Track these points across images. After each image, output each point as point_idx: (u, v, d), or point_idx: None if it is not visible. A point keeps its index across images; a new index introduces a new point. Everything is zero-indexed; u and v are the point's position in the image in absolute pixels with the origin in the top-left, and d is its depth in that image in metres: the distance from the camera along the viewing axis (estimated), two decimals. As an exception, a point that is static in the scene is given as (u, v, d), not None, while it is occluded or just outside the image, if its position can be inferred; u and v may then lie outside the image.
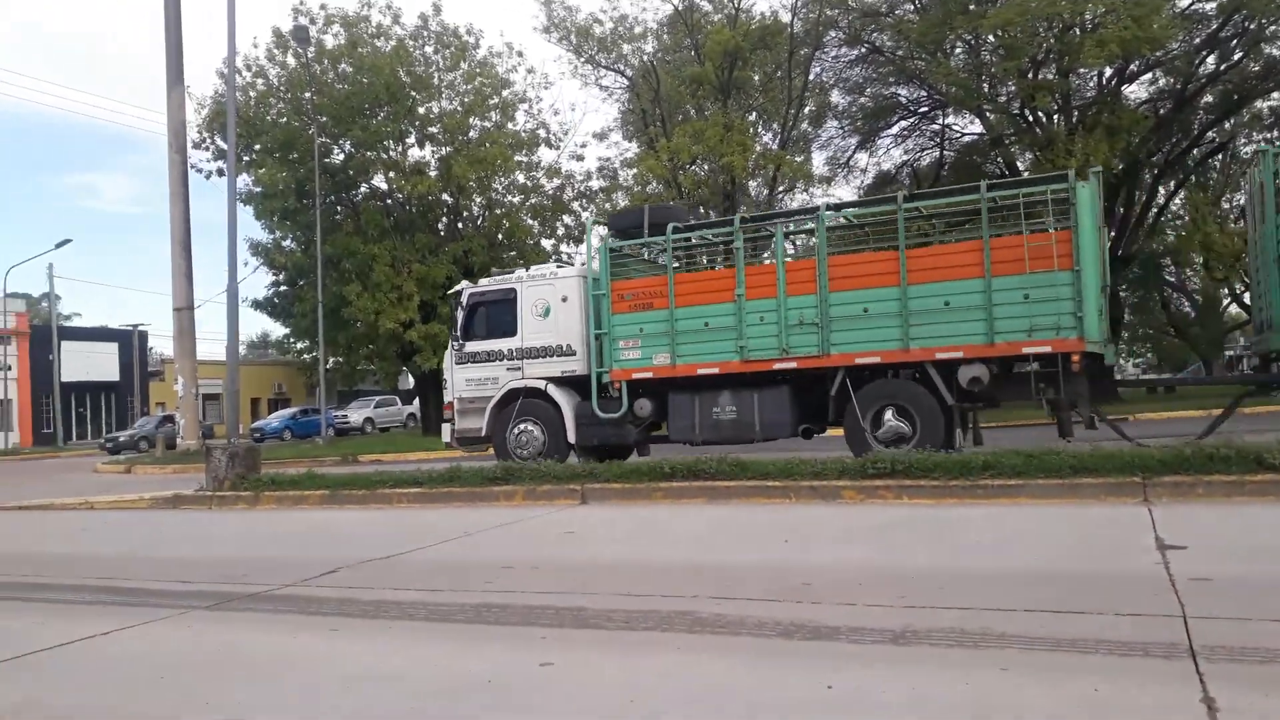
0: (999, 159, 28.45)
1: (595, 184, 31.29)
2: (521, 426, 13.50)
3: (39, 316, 56.05)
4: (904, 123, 30.65)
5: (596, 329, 12.94)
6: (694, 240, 13.33)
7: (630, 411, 12.79)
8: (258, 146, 27.49)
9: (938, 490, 8.22)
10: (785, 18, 28.05)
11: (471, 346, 13.96)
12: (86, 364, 50.48)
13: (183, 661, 4.39)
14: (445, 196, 29.60)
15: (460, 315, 14.12)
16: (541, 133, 30.60)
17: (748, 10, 28.63)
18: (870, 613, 4.47)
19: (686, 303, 12.29)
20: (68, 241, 52.82)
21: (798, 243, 13.24)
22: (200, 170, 28.33)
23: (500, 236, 30.15)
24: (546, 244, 31.41)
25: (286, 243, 29.69)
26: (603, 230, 14.75)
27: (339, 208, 30.33)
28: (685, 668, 3.83)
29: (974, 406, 11.74)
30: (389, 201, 30.34)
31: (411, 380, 35.81)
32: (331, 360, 30.98)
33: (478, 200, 30.48)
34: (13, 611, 5.85)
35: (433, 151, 30.00)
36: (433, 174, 28.67)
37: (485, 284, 14.45)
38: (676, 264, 12.78)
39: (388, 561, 6.71)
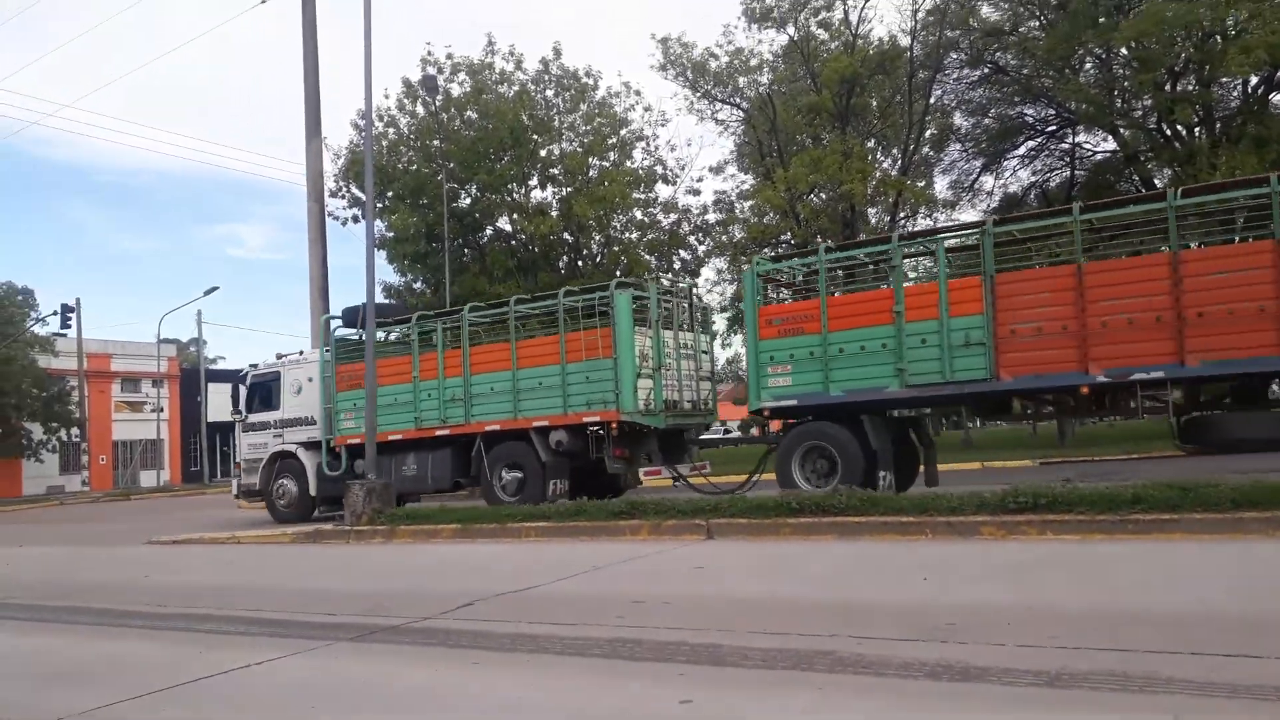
0: (1135, 176, 27.20)
1: (711, 217, 31.40)
2: (280, 482, 17.12)
3: (188, 360, 59.70)
4: (1031, 143, 29.70)
5: (326, 403, 16.30)
6: (392, 334, 16.93)
7: (349, 469, 15.73)
8: (390, 193, 28.67)
9: (1083, 525, 7.81)
10: (904, 41, 27.64)
11: (251, 418, 17.85)
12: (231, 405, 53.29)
13: (331, 692, 4.53)
14: (566, 235, 30.19)
15: (243, 393, 18.06)
16: (658, 169, 30.93)
17: (865, 36, 28.33)
18: (1021, 654, 4.26)
19: (383, 383, 15.11)
20: (215, 289, 56.17)
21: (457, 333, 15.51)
22: (336, 218, 29.72)
23: (619, 273, 30.52)
24: (664, 279, 31.64)
25: (417, 285, 30.77)
26: (337, 322, 17.35)
27: (466, 250, 31.30)
28: (829, 708, 3.72)
29: (565, 463, 14.16)
30: (513, 242, 31.14)
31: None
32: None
33: (597, 238, 30.96)
34: (172, 640, 6.18)
35: (554, 192, 30.70)
36: (554, 214, 29.30)
37: (261, 368, 18.34)
38: (388, 353, 16.25)
39: (521, 595, 6.80)
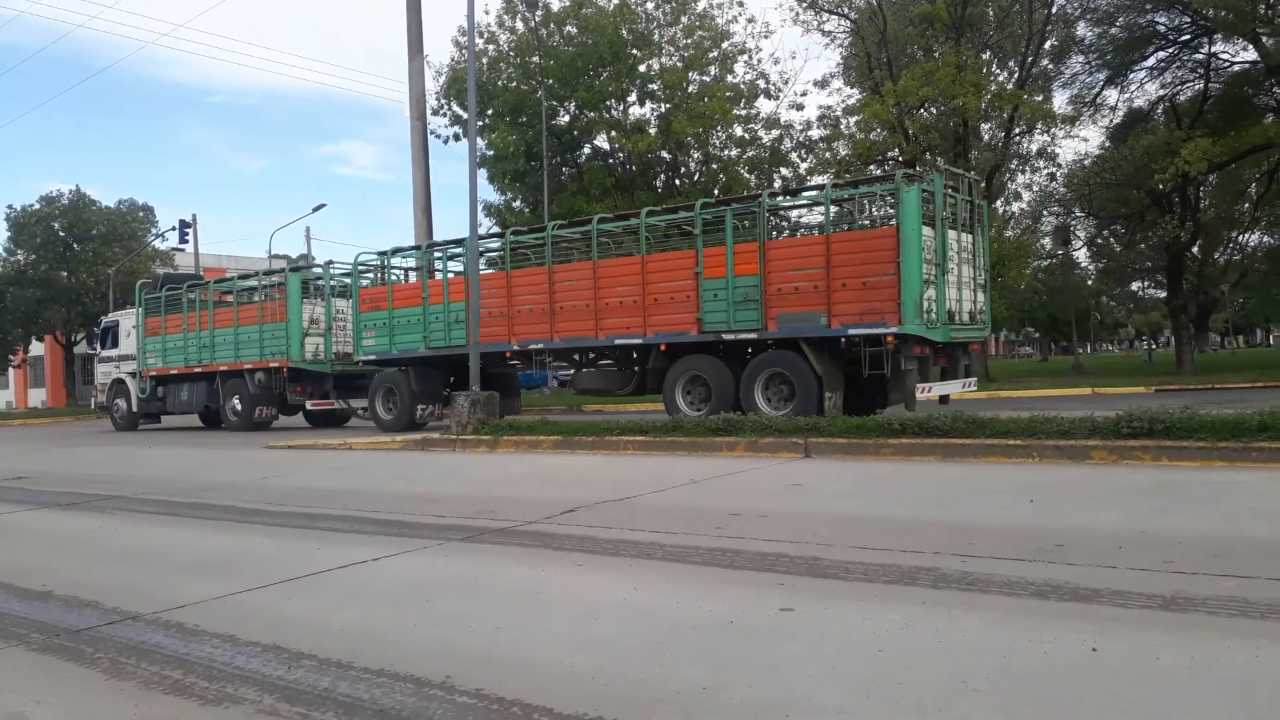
0: (1276, 89, 25.28)
1: (815, 133, 30.56)
2: (116, 401, 24.58)
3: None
4: (1161, 53, 27.86)
5: (138, 346, 23.68)
6: (182, 292, 22.56)
7: (154, 394, 23.30)
8: (490, 111, 28.74)
9: (1203, 452, 7.50)
10: (1025, -56, 26.04)
11: (102, 353, 25.68)
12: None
13: (445, 586, 4.73)
14: (664, 153, 29.86)
15: (100, 333, 26.62)
16: (760, 84, 30.20)
17: (983, -61, 26.80)
18: (1134, 577, 4.15)
19: (170, 331, 22.54)
20: (323, 206, 57.58)
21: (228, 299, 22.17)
22: (439, 136, 30.00)
23: (717, 191, 30.12)
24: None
25: (516, 204, 31.00)
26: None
27: (564, 169, 31.29)
28: (932, 620, 3.70)
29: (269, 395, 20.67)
30: (611, 161, 30.97)
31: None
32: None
33: (695, 156, 30.54)
34: (291, 537, 6.51)
35: (653, 109, 30.31)
36: (653, 131, 28.96)
37: (110, 317, 26.22)
38: (169, 310, 22.65)
39: (621, 503, 6.93)
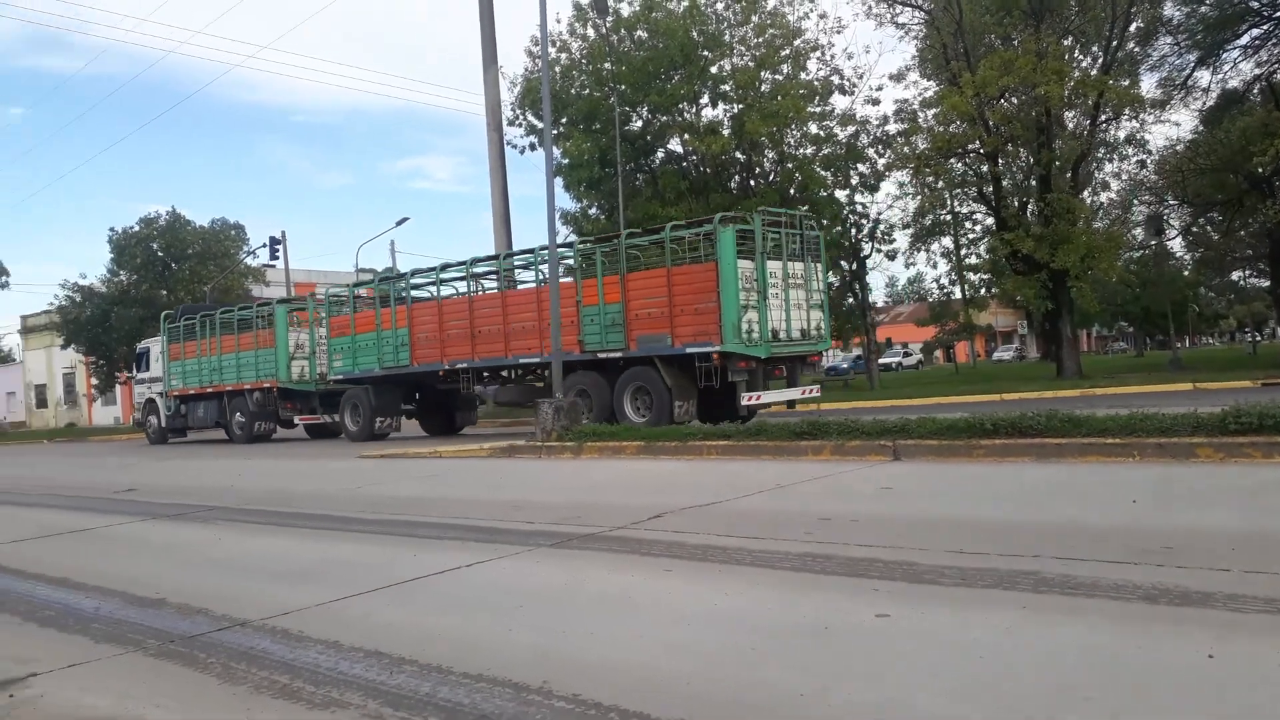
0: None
1: (892, 128, 30.07)
2: (149, 418, 27.84)
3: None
4: (1255, 30, 26.67)
5: (164, 370, 26.59)
6: (197, 322, 25.52)
7: (179, 411, 26.42)
8: (564, 119, 29.03)
9: (1320, 449, 7.14)
10: (1108, -76, 25.22)
11: (138, 375, 28.98)
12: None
13: (536, 592, 4.79)
14: (738, 154, 29.74)
15: (135, 358, 29.85)
16: (834, 80, 29.85)
17: (1063, -79, 26.03)
18: (1249, 580, 3.97)
19: (188, 356, 25.65)
20: (406, 220, 58.93)
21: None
22: (515, 146, 30.40)
23: (793, 191, 29.87)
24: (840, 195, 30.67)
25: (592, 211, 31.22)
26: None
27: (638, 174, 31.41)
28: (1035, 626, 3.61)
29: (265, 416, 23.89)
30: (685, 164, 30.97)
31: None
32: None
33: (770, 155, 30.33)
34: (386, 544, 6.67)
35: (725, 110, 30.23)
36: (726, 132, 28.87)
37: (143, 344, 29.17)
38: (187, 338, 25.68)
39: (707, 509, 6.92)
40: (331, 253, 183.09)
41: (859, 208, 31.09)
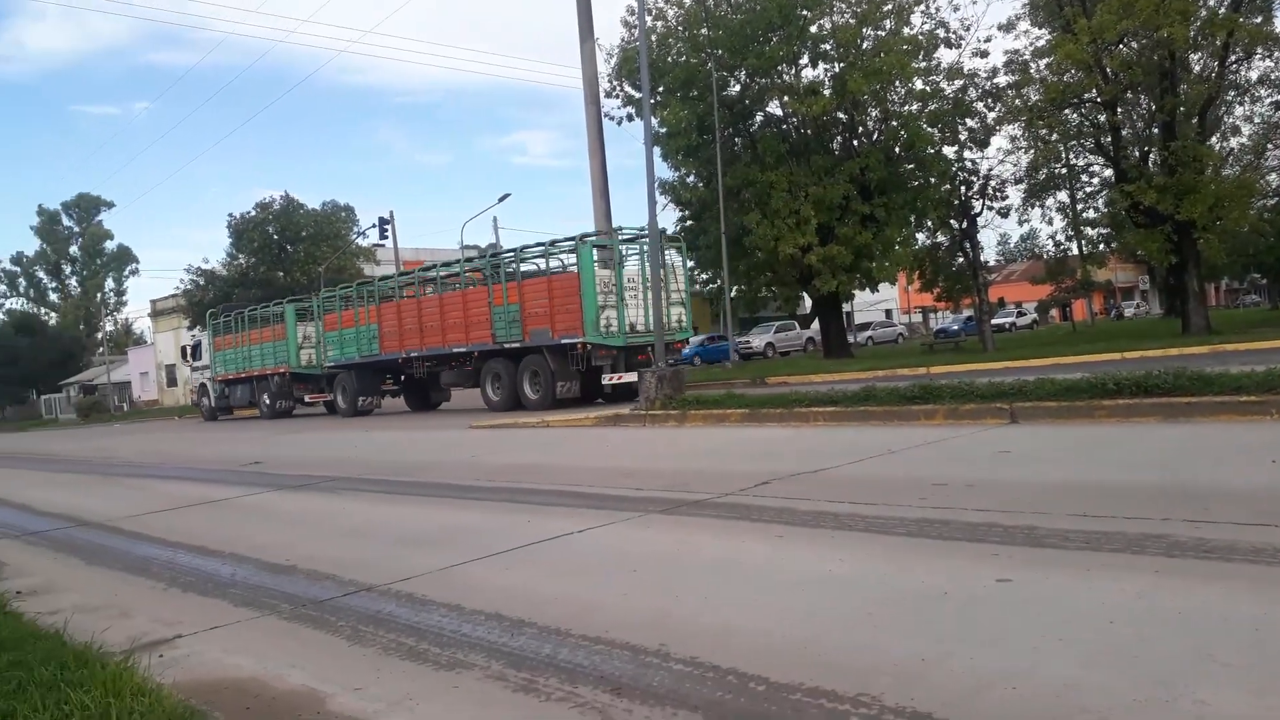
0: None
1: (1002, 80, 28.76)
2: (202, 400, 33.26)
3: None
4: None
5: (210, 358, 31.83)
6: (233, 318, 30.70)
7: (223, 393, 31.44)
8: (661, 88, 28.81)
9: None
10: None
11: (193, 364, 33.93)
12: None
13: (649, 557, 4.84)
14: (840, 114, 29.02)
15: (189, 349, 34.62)
16: (940, 33, 28.73)
17: None
18: None
19: (228, 346, 30.70)
20: (507, 196, 59.79)
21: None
22: (612, 118, 30.30)
23: (898, 149, 29.03)
24: (949, 150, 29.65)
25: (690, 179, 31.00)
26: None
27: (737, 139, 31.01)
28: (1168, 591, 3.46)
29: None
30: (784, 127, 30.42)
31: (809, 303, 36.10)
32: (734, 288, 32.07)
33: (873, 114, 29.51)
34: (502, 510, 6.83)
35: (825, 70, 29.48)
36: (827, 92, 28.20)
37: (195, 337, 34.22)
38: (226, 331, 31.05)
39: (816, 475, 6.85)
40: (438, 231, 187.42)
41: (968, 164, 30.00)
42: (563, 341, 18.27)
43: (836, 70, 28.66)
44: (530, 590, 4.36)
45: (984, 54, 29.20)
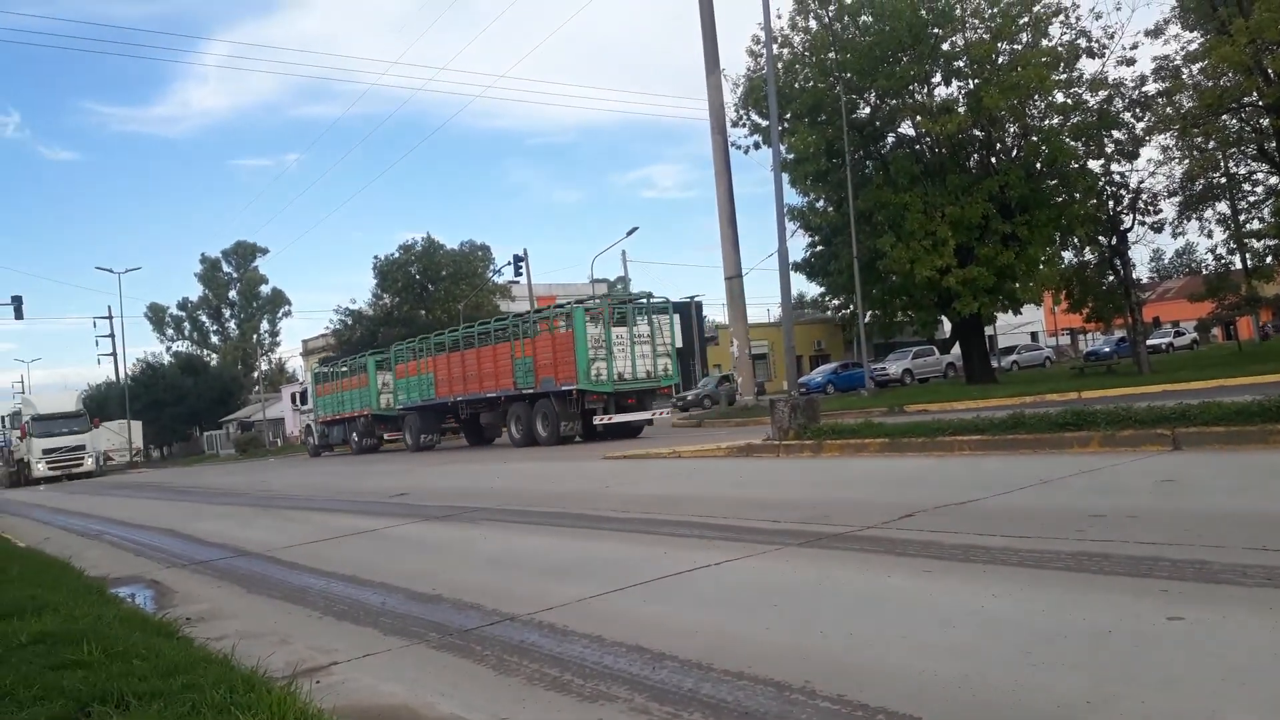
0: None
1: (1151, 88, 27.37)
2: (308, 438, 38.34)
3: (616, 297, 65.24)
4: None
5: (313, 403, 37.39)
6: (330, 370, 37.43)
7: (324, 433, 36.32)
8: (788, 114, 28.72)
9: None
10: None
11: (301, 407, 39.62)
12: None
13: (790, 591, 4.74)
14: (976, 132, 28.22)
15: (298, 395, 40.94)
16: (1081, 43, 27.60)
17: None
18: None
19: (325, 393, 36.17)
20: (635, 230, 60.63)
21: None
22: (738, 146, 30.40)
23: (1039, 165, 27.95)
24: (1094, 164, 28.34)
25: (819, 204, 30.70)
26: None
27: (868, 162, 30.56)
28: (1371, 637, 3.15)
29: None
30: (917, 147, 29.80)
31: (949, 327, 34.96)
32: (868, 314, 31.47)
33: (1011, 130, 28.55)
34: (643, 541, 6.84)
35: (959, 87, 28.77)
36: (961, 110, 27.48)
37: (302, 384, 41.60)
38: (323, 381, 36.96)
39: (963, 507, 6.58)
40: (569, 266, 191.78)
41: (1116, 177, 28.59)
42: (563, 388, 22.15)
43: (971, 87, 27.94)
44: (670, 622, 4.34)
45: (1130, 62, 27.96)
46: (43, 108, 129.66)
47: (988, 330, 35.14)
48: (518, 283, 48.29)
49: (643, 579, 5.32)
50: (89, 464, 44.12)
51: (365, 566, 6.98)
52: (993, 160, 28.95)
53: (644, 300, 23.91)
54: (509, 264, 46.72)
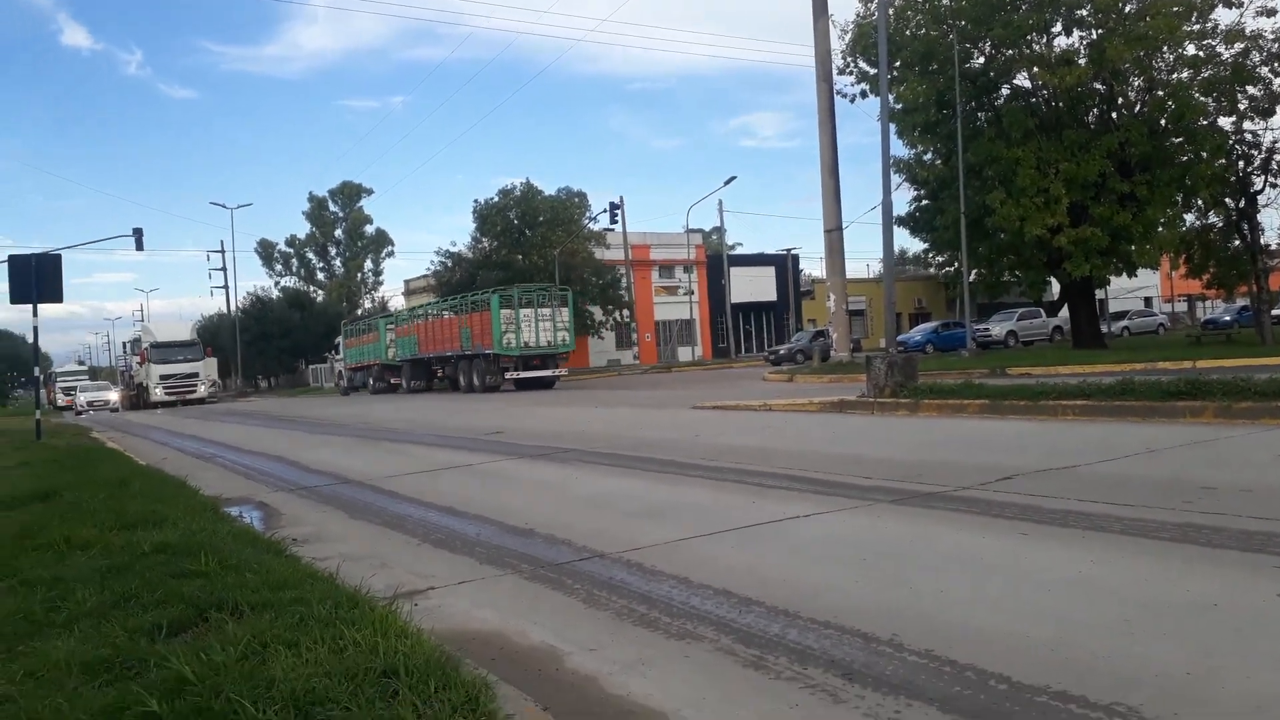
0: None
1: (1293, 39, 25.49)
2: (340, 381, 47.46)
3: (711, 247, 64.82)
4: None
5: (344, 353, 46.54)
6: (354, 326, 47.29)
7: (351, 378, 44.62)
8: (898, 63, 27.74)
9: None
10: None
11: (335, 356, 51.15)
12: (750, 287, 57.30)
13: (879, 547, 4.71)
14: (1097, 85, 26.82)
15: (336, 345, 49.68)
16: (1218, -9, 25.85)
17: None
18: None
19: (351, 346, 45.02)
20: (733, 179, 59.79)
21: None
22: (844, 95, 29.50)
23: (1164, 122, 26.46)
24: (1225, 122, 26.69)
25: (927, 156, 29.74)
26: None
27: (979, 114, 29.40)
28: None
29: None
30: (1033, 100, 28.51)
31: (1057, 289, 33.68)
32: (973, 272, 30.48)
33: (1136, 83, 27.04)
34: (726, 490, 6.87)
35: (1081, 37, 27.30)
36: (1082, 62, 26.13)
37: (338, 339, 49.05)
38: (351, 335, 46.05)
39: (1065, 472, 6.41)
40: (665, 215, 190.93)
41: (1248, 136, 26.89)
42: (483, 351, 30.69)
43: (1094, 37, 26.50)
44: (756, 570, 4.37)
45: (1270, 12, 26.01)
46: (163, 46, 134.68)
47: (1098, 294, 33.68)
48: (612, 230, 48.34)
49: (731, 526, 5.36)
50: (202, 390, 46.33)
51: (461, 499, 7.20)
52: (1113, 115, 27.52)
53: (546, 289, 32.75)
54: (604, 211, 46.78)
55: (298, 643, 3.09)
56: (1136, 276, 32.80)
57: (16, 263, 16.23)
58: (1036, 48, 27.59)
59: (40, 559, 4.99)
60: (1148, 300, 60.74)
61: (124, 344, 57.10)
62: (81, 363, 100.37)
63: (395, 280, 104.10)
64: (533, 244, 48.46)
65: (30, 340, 24.17)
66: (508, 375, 30.51)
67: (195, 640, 3.30)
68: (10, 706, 2.85)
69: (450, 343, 33.49)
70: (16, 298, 16.03)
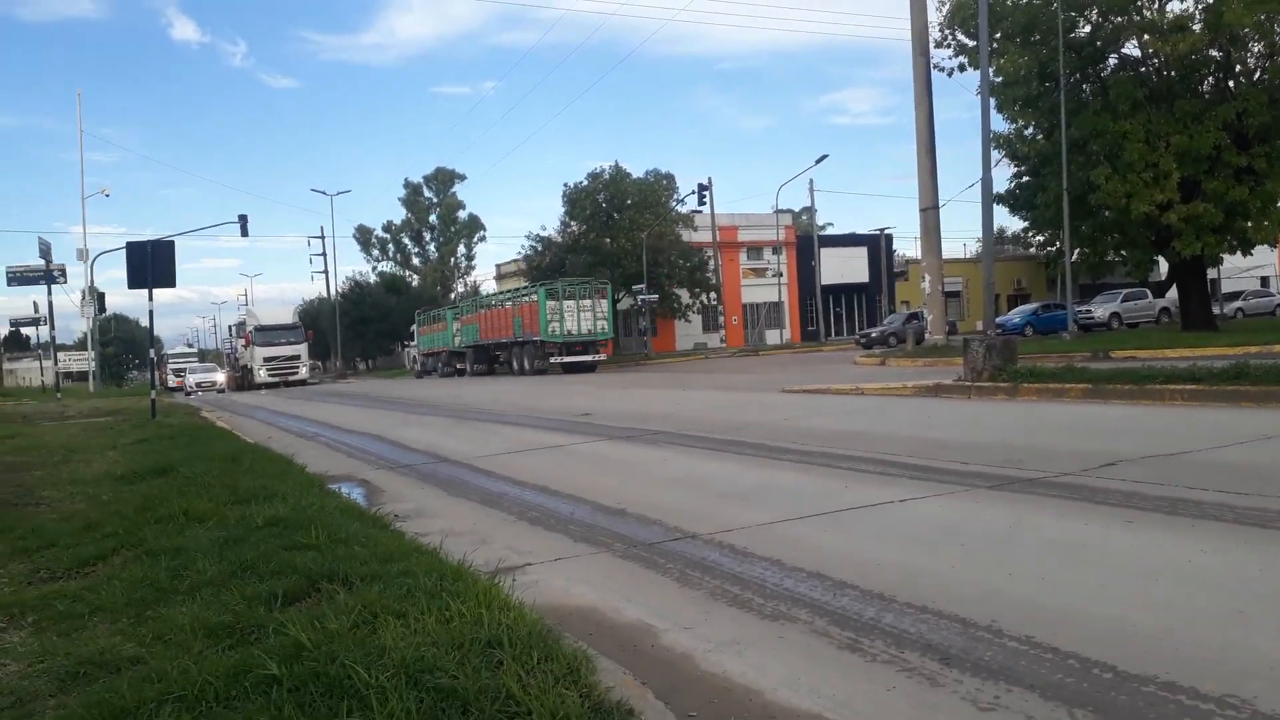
0: None
1: None
2: (414, 366, 52.04)
3: (801, 228, 64.00)
4: None
5: (416, 340, 51.97)
6: (424, 316, 51.05)
7: (424, 364, 49.42)
8: (998, 34, 26.86)
9: None
10: None
11: (409, 343, 55.08)
12: (841, 268, 56.44)
13: (977, 532, 4.64)
14: (1212, 52, 25.51)
15: (412, 332, 53.20)
16: (1349, -51, 24.27)
17: None
18: None
19: (424, 333, 49.53)
20: (824, 158, 58.89)
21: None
22: (941, 69, 28.73)
23: (1284, 90, 25.03)
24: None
25: (1028, 131, 28.78)
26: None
27: (1084, 86, 28.28)
28: None
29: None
30: (1143, 70, 27.29)
31: (1165, 269, 32.25)
32: (1076, 252, 29.42)
33: (1256, 49, 25.63)
34: (818, 474, 6.84)
35: (1195, 2, 26.02)
36: (1197, 27, 24.88)
37: (413, 327, 52.85)
38: (424, 324, 50.38)
39: (1172, 459, 6.19)
40: (755, 195, 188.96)
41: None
42: (533, 338, 34.85)
43: (1210, 2, 25.19)
44: (850, 553, 4.35)
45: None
46: (266, 37, 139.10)
47: (1210, 273, 32.22)
48: (700, 212, 48.17)
49: (823, 510, 5.34)
50: (303, 372, 48.06)
51: (554, 478, 7.34)
52: (1230, 84, 26.15)
53: (588, 282, 36.48)
54: (692, 193, 46.64)
55: (406, 613, 3.23)
56: (1252, 255, 31.24)
57: (133, 249, 17.05)
58: (1147, 14, 26.37)
59: (162, 530, 5.29)
60: (1264, 280, 57.66)
61: (229, 327, 59.63)
62: (190, 345, 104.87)
63: (487, 264, 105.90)
64: (620, 227, 48.61)
65: (144, 324, 25.43)
66: (552, 360, 34.56)
67: (309, 609, 3.46)
68: (142, 668, 3.04)
69: (505, 330, 37.84)
70: (134, 282, 16.84)
